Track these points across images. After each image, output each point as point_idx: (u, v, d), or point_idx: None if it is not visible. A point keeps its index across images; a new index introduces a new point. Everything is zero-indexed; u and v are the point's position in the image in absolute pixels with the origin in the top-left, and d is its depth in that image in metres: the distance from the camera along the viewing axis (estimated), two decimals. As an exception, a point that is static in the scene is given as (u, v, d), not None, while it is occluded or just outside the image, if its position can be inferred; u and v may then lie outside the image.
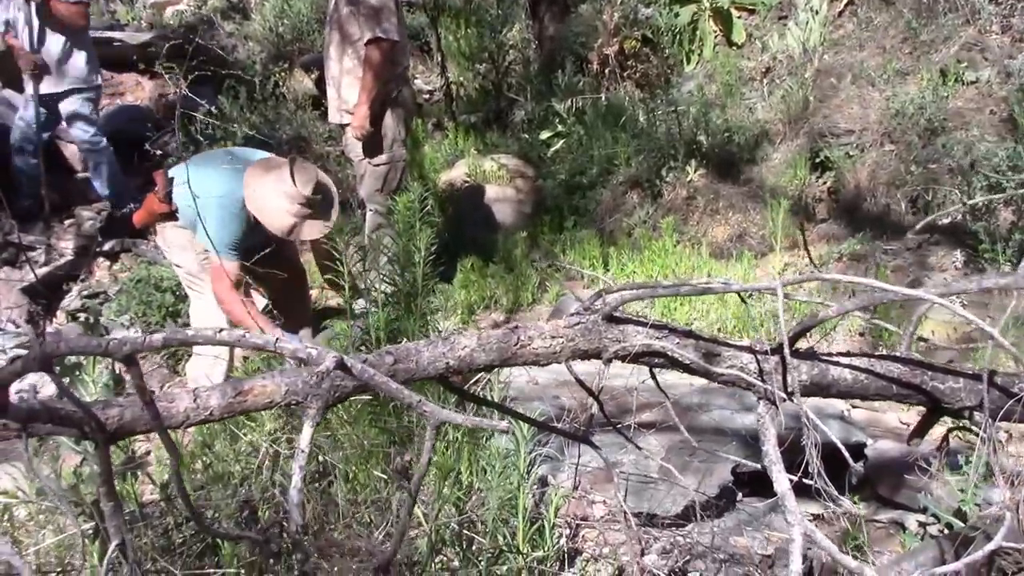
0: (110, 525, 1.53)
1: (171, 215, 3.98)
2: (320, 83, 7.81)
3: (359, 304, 3.75)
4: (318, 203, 3.93)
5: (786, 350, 1.91)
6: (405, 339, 3.39)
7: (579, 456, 3.05)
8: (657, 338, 1.98)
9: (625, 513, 2.57)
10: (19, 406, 1.46)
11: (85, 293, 5.98)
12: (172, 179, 3.98)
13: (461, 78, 8.93)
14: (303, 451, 1.49)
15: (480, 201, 6.45)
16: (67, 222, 6.58)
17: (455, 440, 2.94)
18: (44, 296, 5.88)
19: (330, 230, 3.95)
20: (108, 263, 6.26)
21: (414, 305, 3.51)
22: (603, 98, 7.70)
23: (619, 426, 2.53)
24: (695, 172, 6.26)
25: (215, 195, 3.87)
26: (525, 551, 2.60)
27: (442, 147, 7.47)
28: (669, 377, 2.35)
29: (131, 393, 1.58)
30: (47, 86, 6.08)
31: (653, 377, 2.17)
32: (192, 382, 4.13)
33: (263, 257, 3.56)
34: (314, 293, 5.01)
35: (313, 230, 3.96)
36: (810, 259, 3.44)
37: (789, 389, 1.93)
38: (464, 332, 1.87)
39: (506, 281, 5.39)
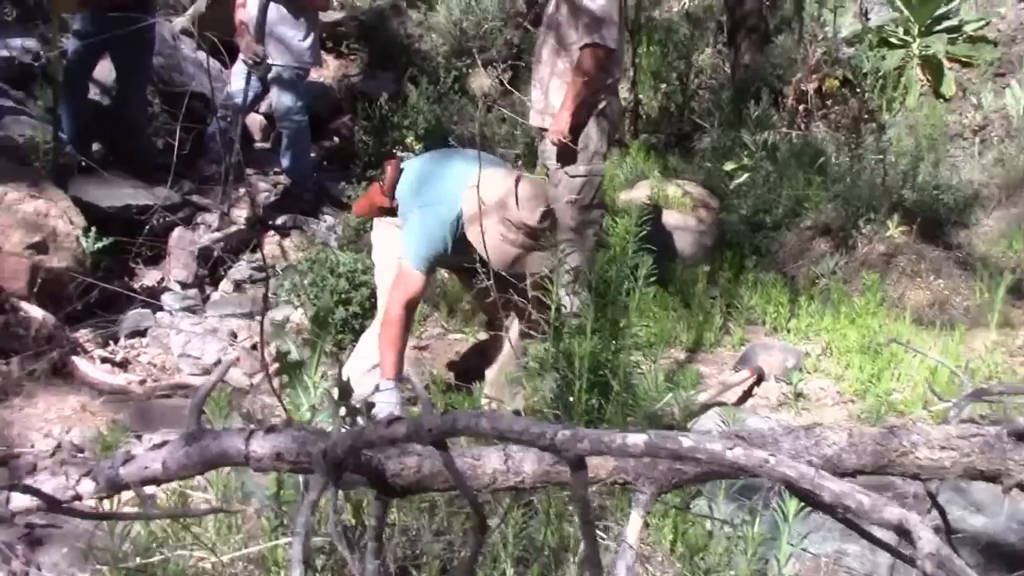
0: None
1: (391, 211, 3.79)
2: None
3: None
4: (546, 232, 3.56)
5: None
6: (611, 371, 3.13)
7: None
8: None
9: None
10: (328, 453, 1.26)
11: (253, 265, 5.94)
12: (402, 171, 3.80)
13: (642, 96, 8.66)
14: (630, 546, 1.23)
15: (660, 226, 6.15)
16: (242, 191, 6.58)
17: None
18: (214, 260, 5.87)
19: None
20: (278, 238, 6.21)
21: (618, 336, 3.25)
22: (794, 136, 7.31)
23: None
24: (896, 228, 5.81)
25: (433, 202, 3.62)
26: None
27: (623, 165, 7.19)
28: None
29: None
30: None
31: None
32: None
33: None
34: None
35: (538, 263, 3.49)
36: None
37: None
38: (830, 426, 1.56)
39: (687, 317, 5.08)
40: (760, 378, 4.43)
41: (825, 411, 4.25)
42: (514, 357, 3.76)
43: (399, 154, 6.05)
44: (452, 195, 3.57)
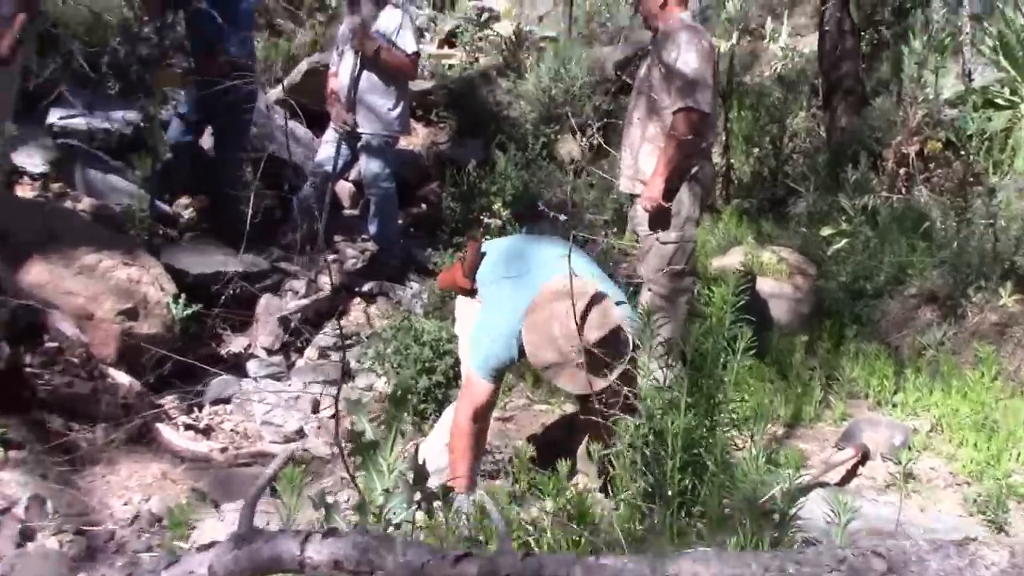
0: None
1: (471, 292, 3.68)
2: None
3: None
4: (598, 357, 3.23)
5: None
6: (706, 450, 2.93)
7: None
8: None
9: None
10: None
11: (338, 332, 5.90)
12: (483, 255, 3.69)
13: (735, 160, 8.48)
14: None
15: (754, 294, 5.92)
16: (330, 258, 6.59)
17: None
18: (300, 328, 5.85)
19: (589, 392, 3.28)
20: (364, 304, 6.17)
21: (713, 414, 3.05)
22: (895, 200, 7.03)
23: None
24: (1009, 296, 5.47)
25: (503, 308, 3.43)
26: None
27: (715, 231, 7.00)
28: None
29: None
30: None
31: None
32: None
33: None
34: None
35: (571, 381, 3.28)
36: None
37: None
38: (986, 541, 1.36)
39: (784, 390, 4.82)
40: (865, 456, 4.14)
41: (937, 493, 3.94)
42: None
43: (484, 220, 6.00)
44: (523, 303, 3.36)
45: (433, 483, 3.24)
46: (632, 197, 4.78)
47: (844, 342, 5.58)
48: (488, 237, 5.96)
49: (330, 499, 2.00)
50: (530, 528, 2.57)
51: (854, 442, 4.19)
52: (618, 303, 3.43)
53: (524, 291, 3.38)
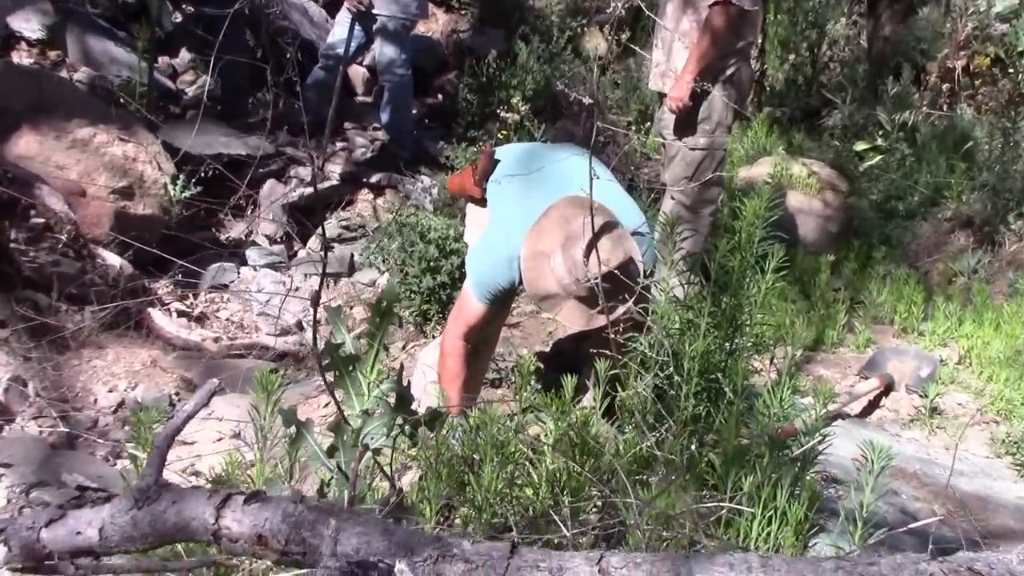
0: None
1: (481, 200, 3.40)
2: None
3: None
4: (603, 292, 2.85)
5: None
6: (724, 375, 2.71)
7: None
8: None
9: None
10: None
11: (344, 223, 5.66)
12: (497, 162, 3.38)
13: (768, 66, 8.06)
14: None
15: (781, 208, 5.63)
16: (339, 145, 6.30)
17: None
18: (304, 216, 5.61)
19: (591, 327, 2.99)
20: (372, 196, 5.90)
21: (734, 337, 2.81)
22: (936, 117, 6.67)
23: None
24: (1051, 226, 5.19)
25: (507, 227, 3.13)
26: None
27: (743, 139, 6.66)
28: None
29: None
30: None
31: None
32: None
33: None
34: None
35: (572, 316, 2.98)
36: None
37: None
38: None
39: (807, 311, 4.58)
40: (889, 388, 3.92)
41: (965, 432, 3.72)
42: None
43: (501, 115, 5.69)
44: (529, 223, 3.04)
45: (431, 391, 3.05)
46: (661, 96, 4.45)
47: (872, 264, 5.32)
48: (505, 133, 5.66)
49: (305, 413, 1.79)
50: (528, 452, 2.36)
51: (878, 372, 3.96)
52: (635, 233, 3.11)
53: (532, 210, 3.06)
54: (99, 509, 1.04)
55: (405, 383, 1.59)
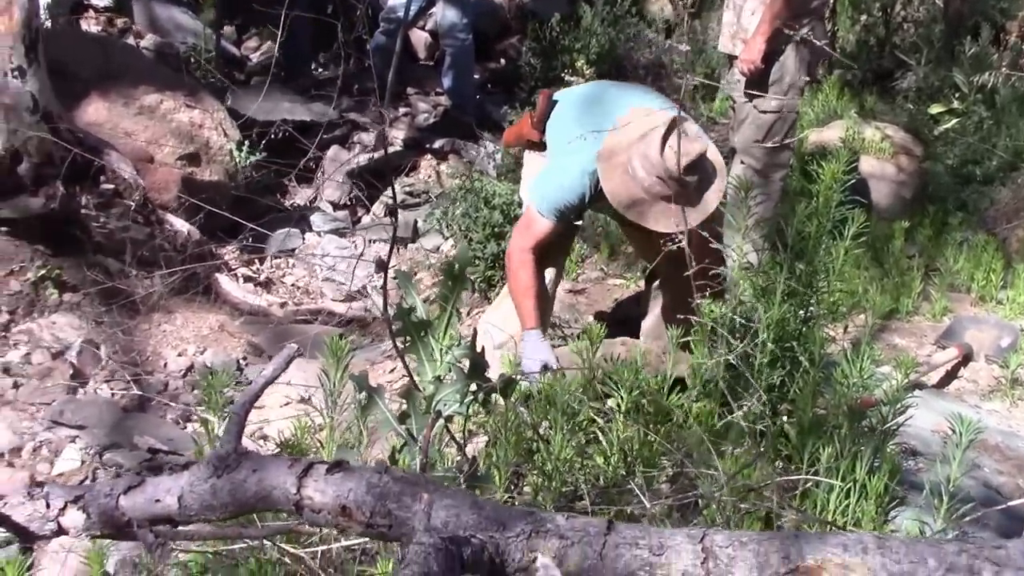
0: None
1: (539, 145, 3.34)
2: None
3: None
4: (687, 187, 2.90)
5: None
6: (799, 343, 2.64)
7: None
8: None
9: None
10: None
11: (407, 188, 5.65)
12: (555, 103, 3.33)
13: (839, 27, 7.83)
14: None
15: (854, 174, 5.48)
16: (402, 111, 6.28)
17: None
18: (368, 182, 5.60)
19: (685, 229, 2.86)
20: (435, 162, 5.87)
21: (810, 304, 2.73)
22: (1016, 78, 6.42)
23: None
24: None
25: (577, 146, 3.06)
26: None
27: (814, 102, 6.48)
28: None
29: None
30: None
31: None
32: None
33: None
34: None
35: (663, 219, 2.92)
36: None
37: None
38: None
39: (881, 279, 4.45)
40: (968, 357, 3.79)
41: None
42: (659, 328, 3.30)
43: (565, 79, 5.59)
44: (599, 138, 3.03)
45: (496, 355, 3.03)
46: (731, 59, 4.33)
47: (947, 230, 5.14)
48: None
49: (372, 379, 1.77)
50: (599, 420, 2.32)
51: (956, 340, 3.83)
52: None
53: (601, 126, 3.06)
54: (178, 477, 1.03)
55: (479, 349, 1.56)
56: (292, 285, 4.88)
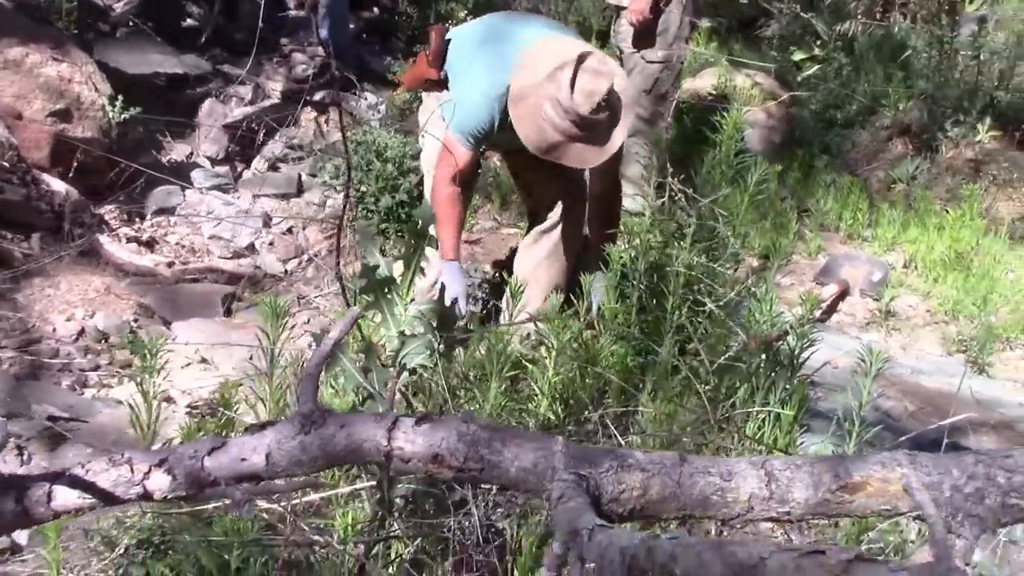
0: None
1: (438, 83, 3.36)
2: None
3: None
4: (598, 125, 3.04)
5: None
6: (706, 288, 2.77)
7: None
8: None
9: None
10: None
11: (289, 143, 5.54)
12: (449, 41, 3.35)
13: (703, -24, 8.03)
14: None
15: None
16: (276, 62, 6.12)
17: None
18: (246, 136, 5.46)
19: (599, 162, 3.14)
20: (315, 114, 5.77)
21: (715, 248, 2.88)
22: (873, 27, 6.76)
23: None
24: (987, 132, 5.34)
25: (482, 73, 3.17)
26: None
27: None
28: None
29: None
30: None
31: None
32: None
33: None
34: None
35: (579, 157, 3.09)
36: None
37: None
38: None
39: (758, 220, 4.67)
40: (845, 292, 4.05)
41: (917, 332, 3.89)
42: (557, 252, 3.44)
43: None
44: (501, 67, 3.13)
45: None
46: (618, 10, 4.42)
47: (815, 173, 5.43)
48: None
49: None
50: (527, 364, 2.40)
51: (834, 277, 4.09)
52: None
53: (504, 56, 3.15)
54: (261, 436, 1.04)
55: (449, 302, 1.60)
56: (177, 244, 4.74)
